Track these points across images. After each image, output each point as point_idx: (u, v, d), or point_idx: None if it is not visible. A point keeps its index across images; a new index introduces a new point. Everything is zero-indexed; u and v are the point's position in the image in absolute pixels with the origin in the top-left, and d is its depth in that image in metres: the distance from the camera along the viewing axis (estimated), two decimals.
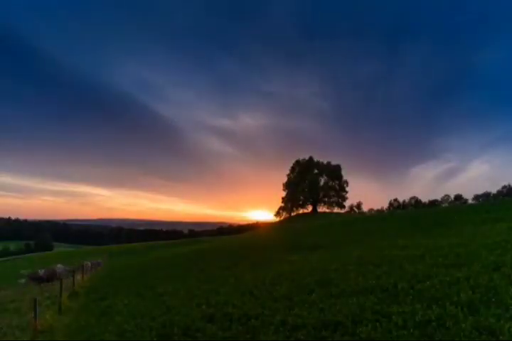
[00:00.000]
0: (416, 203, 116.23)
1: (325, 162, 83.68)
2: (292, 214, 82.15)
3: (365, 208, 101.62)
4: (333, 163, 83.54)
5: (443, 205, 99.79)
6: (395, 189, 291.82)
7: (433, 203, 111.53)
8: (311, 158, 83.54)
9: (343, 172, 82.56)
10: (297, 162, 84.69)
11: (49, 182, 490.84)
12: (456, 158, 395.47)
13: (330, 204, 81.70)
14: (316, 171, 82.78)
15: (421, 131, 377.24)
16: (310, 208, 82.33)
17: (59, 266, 24.47)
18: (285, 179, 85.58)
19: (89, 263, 25.72)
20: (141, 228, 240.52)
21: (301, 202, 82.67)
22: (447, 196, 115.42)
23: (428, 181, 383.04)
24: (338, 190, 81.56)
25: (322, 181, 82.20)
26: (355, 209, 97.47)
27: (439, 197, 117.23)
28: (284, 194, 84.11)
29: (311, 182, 79.48)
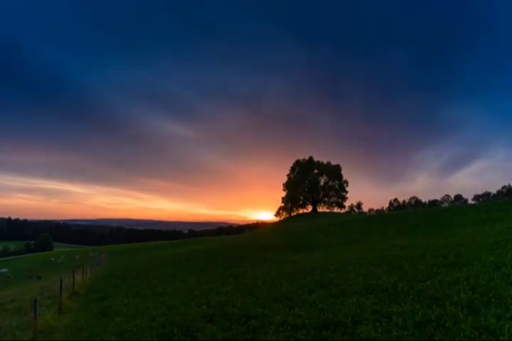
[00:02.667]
0: (416, 203, 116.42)
1: (325, 162, 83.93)
2: (292, 214, 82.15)
3: (365, 208, 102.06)
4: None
5: (443, 205, 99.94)
6: (395, 186, 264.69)
7: (433, 203, 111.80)
8: (311, 158, 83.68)
9: (343, 172, 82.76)
10: (297, 162, 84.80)
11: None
12: (467, 143, 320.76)
13: (330, 204, 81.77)
14: (316, 171, 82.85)
15: (424, 102, 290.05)
16: (310, 208, 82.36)
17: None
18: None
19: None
20: (141, 228, 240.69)
21: (301, 202, 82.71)
22: (447, 196, 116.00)
23: (432, 174, 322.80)
24: (338, 189, 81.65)
25: (322, 181, 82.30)
26: (355, 209, 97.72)
27: (439, 197, 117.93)
28: (284, 194, 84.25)
29: (311, 182, 79.52)
